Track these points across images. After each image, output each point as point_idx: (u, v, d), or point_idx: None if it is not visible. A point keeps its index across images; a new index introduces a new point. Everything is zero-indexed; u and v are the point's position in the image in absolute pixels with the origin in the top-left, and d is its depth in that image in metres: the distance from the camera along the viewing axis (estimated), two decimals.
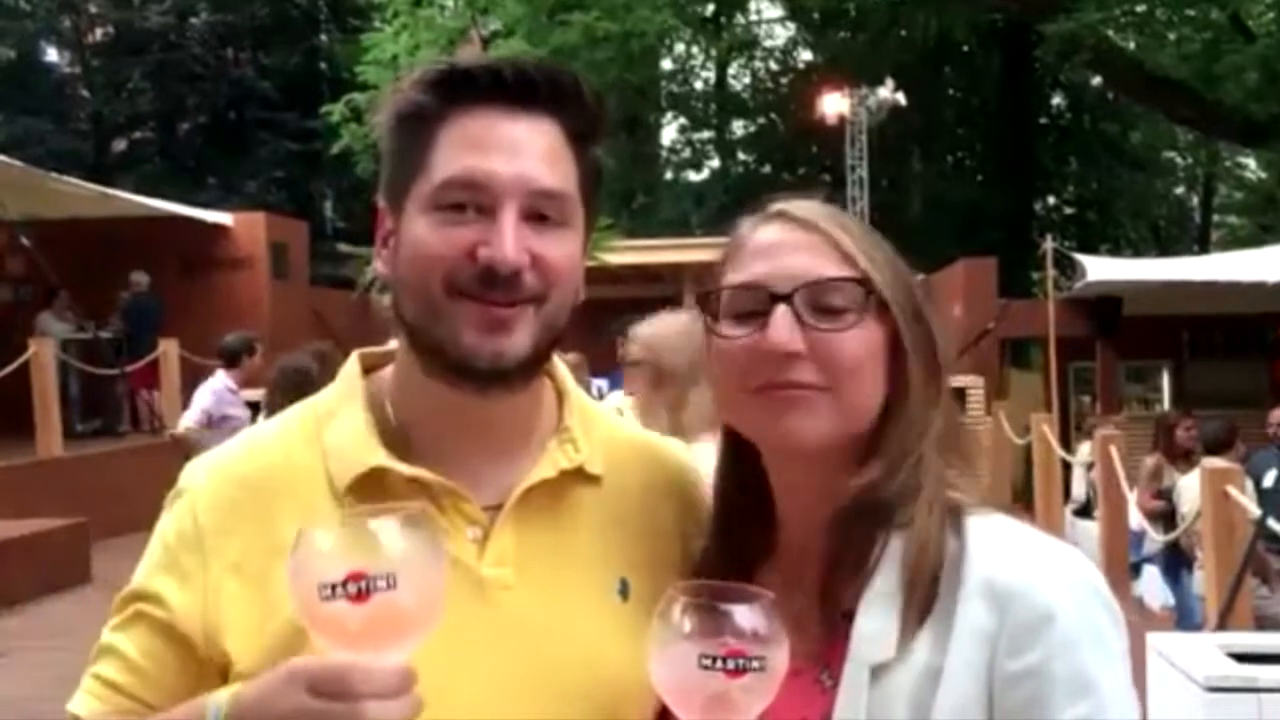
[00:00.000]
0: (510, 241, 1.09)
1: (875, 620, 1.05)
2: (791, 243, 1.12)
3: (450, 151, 1.12)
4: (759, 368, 1.09)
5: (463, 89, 1.13)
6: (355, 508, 1.10)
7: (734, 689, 0.97)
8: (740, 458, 1.16)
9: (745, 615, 1.00)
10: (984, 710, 1.02)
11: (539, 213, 1.12)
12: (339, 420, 1.20)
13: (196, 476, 1.20)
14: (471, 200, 1.11)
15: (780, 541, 1.19)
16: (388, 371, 1.25)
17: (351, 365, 1.26)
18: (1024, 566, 1.04)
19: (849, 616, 1.07)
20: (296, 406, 1.27)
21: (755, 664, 0.98)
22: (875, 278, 1.10)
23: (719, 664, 0.97)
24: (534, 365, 1.16)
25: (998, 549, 1.06)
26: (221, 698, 1.03)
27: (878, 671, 1.04)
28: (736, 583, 1.07)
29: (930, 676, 1.02)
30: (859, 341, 1.09)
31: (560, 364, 1.30)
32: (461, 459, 1.17)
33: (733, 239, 1.17)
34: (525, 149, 1.12)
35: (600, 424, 1.28)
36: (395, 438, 1.18)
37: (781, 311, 1.08)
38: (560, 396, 1.27)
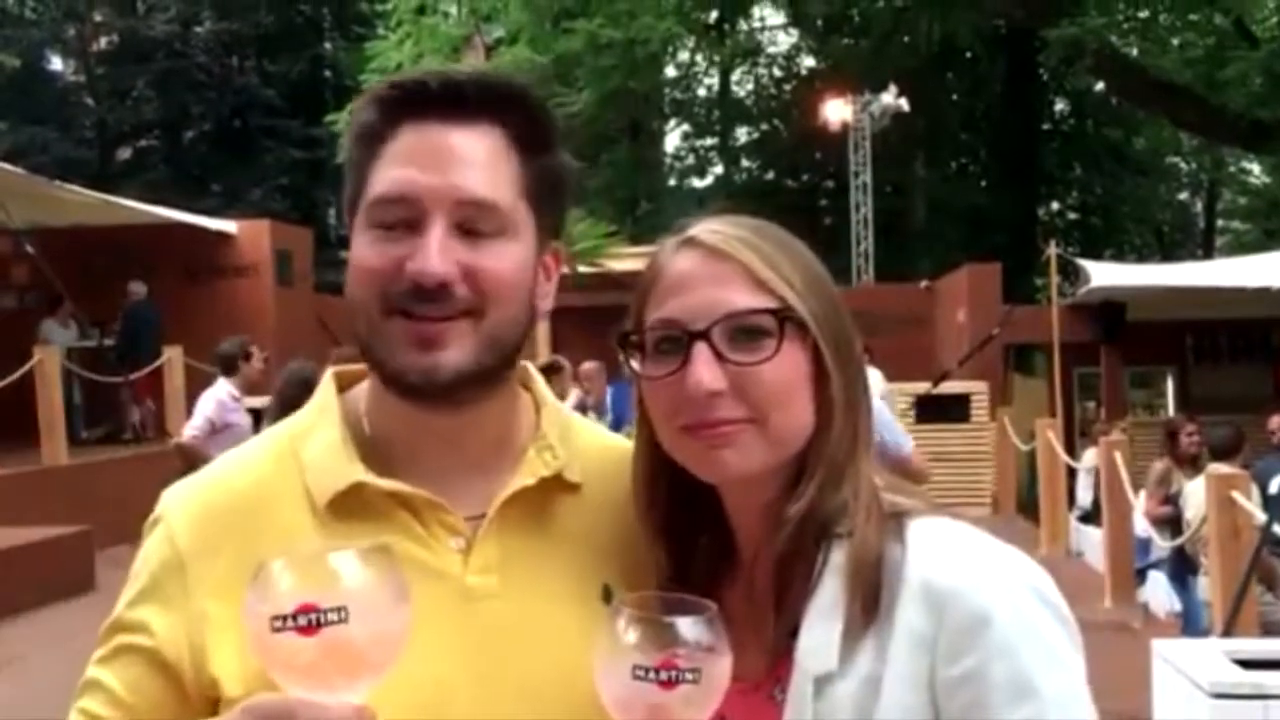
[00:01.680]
0: (435, 254, 1.08)
1: (818, 632, 1.05)
2: (703, 275, 1.10)
3: (385, 168, 1.12)
4: (684, 408, 1.09)
5: (400, 105, 1.13)
6: (335, 529, 1.09)
7: (669, 700, 0.97)
8: (691, 479, 1.15)
9: (686, 626, 0.99)
10: (928, 716, 1.00)
11: (471, 225, 1.11)
12: (315, 438, 1.19)
13: (173, 502, 1.19)
14: (400, 216, 1.10)
15: (737, 556, 1.19)
16: (363, 388, 1.24)
17: (326, 383, 1.25)
18: (959, 569, 1.02)
19: (798, 630, 1.06)
20: (272, 427, 1.26)
21: (689, 676, 0.97)
22: (791, 301, 1.09)
23: (652, 675, 0.97)
24: (480, 380, 1.14)
25: (935, 553, 1.05)
26: None
27: (822, 683, 1.03)
28: (682, 594, 1.06)
29: (871, 685, 1.01)
30: (780, 370, 1.08)
31: (537, 375, 1.30)
32: (439, 472, 1.17)
33: (650, 267, 1.15)
34: (456, 160, 1.11)
35: (578, 433, 1.28)
36: (372, 453, 1.17)
37: (698, 350, 1.08)
38: (538, 406, 1.27)
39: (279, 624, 0.88)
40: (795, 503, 1.09)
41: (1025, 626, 1.00)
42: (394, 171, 1.11)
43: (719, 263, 1.10)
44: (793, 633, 1.07)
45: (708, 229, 1.13)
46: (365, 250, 1.12)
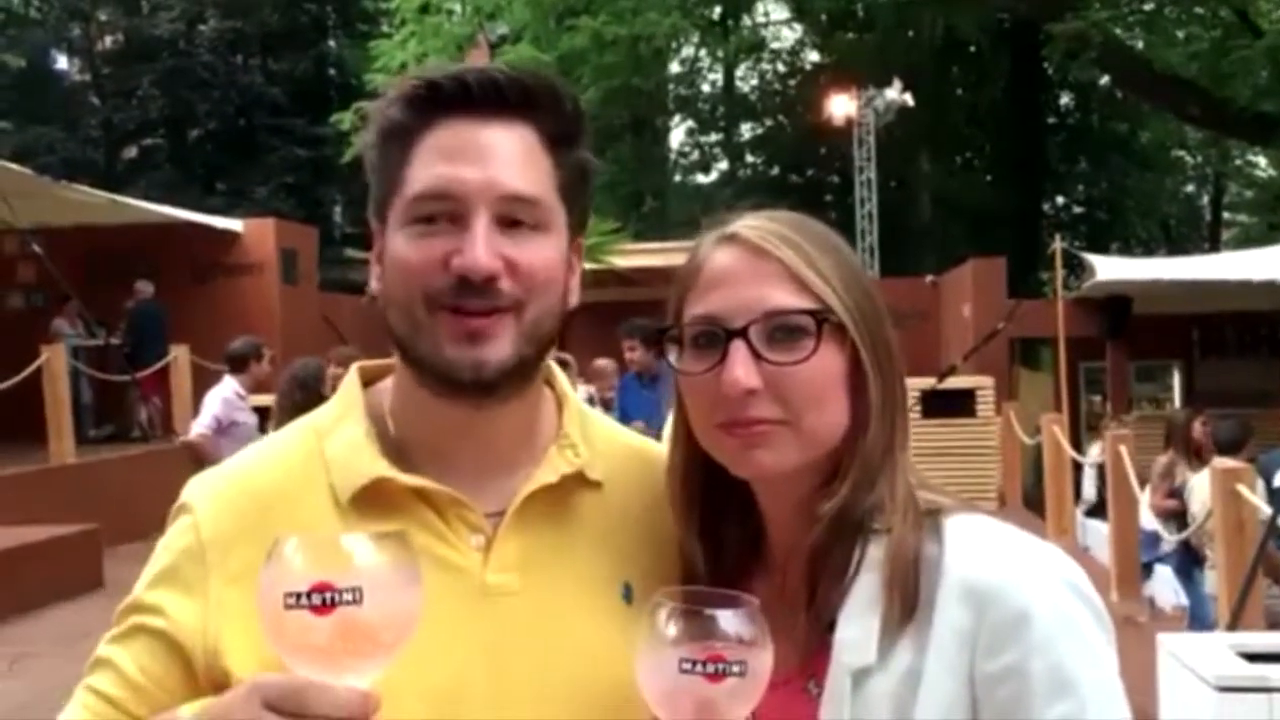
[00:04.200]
0: (481, 248, 1.09)
1: (856, 626, 1.06)
2: (744, 272, 1.11)
3: (423, 165, 1.12)
4: (720, 404, 1.09)
5: (433, 102, 1.13)
6: (358, 524, 1.09)
7: (716, 693, 0.97)
8: (725, 474, 1.16)
9: (728, 620, 1.00)
10: (967, 712, 1.02)
11: (513, 218, 1.12)
12: (340, 433, 1.20)
13: (198, 492, 1.20)
14: (443, 211, 1.11)
15: (767, 551, 1.20)
16: (387, 383, 1.25)
17: (351, 378, 1.26)
18: (1000, 566, 1.04)
19: (834, 625, 1.07)
20: (297, 421, 1.26)
21: (735, 668, 0.98)
22: (831, 301, 1.09)
23: (699, 668, 0.97)
24: (521, 373, 1.15)
25: (975, 550, 1.06)
26: (188, 711, 1.02)
27: (860, 677, 1.04)
28: (719, 589, 1.07)
29: (911, 680, 1.03)
30: (817, 371, 1.09)
31: (559, 371, 1.30)
32: (462, 467, 1.17)
33: (691, 261, 1.16)
34: (495, 155, 1.12)
35: (599, 430, 1.29)
36: (396, 448, 1.18)
37: (736, 348, 1.08)
38: (560, 404, 1.27)
39: (292, 601, 0.89)
40: (828, 501, 1.10)
41: (1064, 622, 1.02)
42: (435, 168, 1.12)
43: (760, 260, 1.11)
44: (827, 628, 1.08)
45: (748, 225, 1.13)
46: (406, 247, 1.12)
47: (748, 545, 1.21)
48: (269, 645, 0.93)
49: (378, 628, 0.91)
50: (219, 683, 1.10)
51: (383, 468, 1.15)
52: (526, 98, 1.14)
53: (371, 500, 1.14)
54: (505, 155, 1.12)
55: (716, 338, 1.10)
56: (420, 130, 1.13)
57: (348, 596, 0.89)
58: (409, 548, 0.95)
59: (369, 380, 1.27)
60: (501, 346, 1.12)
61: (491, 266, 1.09)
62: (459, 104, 1.13)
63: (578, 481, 1.21)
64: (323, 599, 0.88)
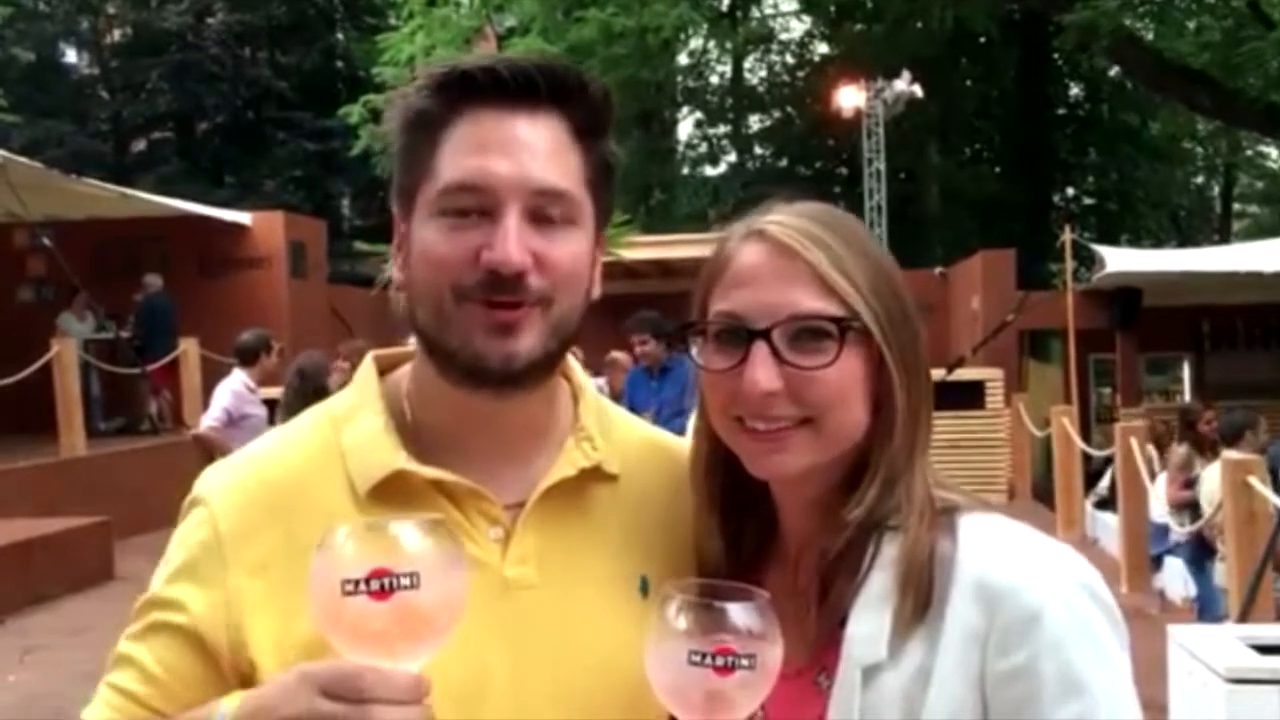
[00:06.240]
0: (513, 243, 1.09)
1: (867, 622, 1.06)
2: (769, 271, 1.10)
3: (453, 155, 1.12)
4: (740, 401, 1.10)
5: (464, 91, 1.12)
6: (376, 516, 1.09)
7: (724, 686, 0.97)
8: (743, 468, 1.16)
9: (738, 613, 1.00)
10: (976, 711, 1.01)
11: (543, 213, 1.11)
12: (357, 423, 1.19)
13: (212, 484, 1.19)
14: (474, 204, 1.10)
15: (780, 545, 1.20)
16: (404, 372, 1.24)
17: (367, 367, 1.26)
18: (1013, 566, 1.04)
19: (846, 620, 1.07)
20: (311, 410, 1.26)
21: (745, 662, 0.98)
22: (858, 306, 1.08)
23: (708, 661, 0.97)
24: (546, 366, 1.15)
25: (988, 549, 1.06)
26: (229, 704, 1.02)
27: (870, 673, 1.04)
28: (732, 581, 1.07)
29: (921, 677, 1.03)
30: (839, 374, 1.08)
31: (576, 364, 1.30)
32: (480, 459, 1.17)
33: (718, 254, 1.15)
34: (527, 149, 1.11)
35: (616, 423, 1.29)
36: (414, 439, 1.18)
37: (757, 349, 1.08)
38: (576, 395, 1.27)
39: (350, 588, 0.90)
40: (855, 508, 1.10)
41: (1076, 624, 1.02)
42: (466, 160, 1.11)
43: (786, 260, 1.10)
44: (839, 622, 1.08)
45: (777, 221, 1.12)
46: (436, 238, 1.12)
47: (762, 537, 1.21)
48: (308, 631, 0.94)
49: (433, 611, 0.92)
50: (245, 674, 1.10)
51: (401, 460, 1.15)
52: (558, 88, 1.13)
53: (390, 492, 1.14)
54: (536, 148, 1.12)
55: (739, 336, 1.10)
56: (449, 119, 1.13)
57: (405, 581, 0.90)
58: (453, 531, 0.97)
59: (384, 369, 1.26)
60: (530, 340, 1.12)
61: (522, 262, 1.09)
62: (488, 94, 1.12)
63: (595, 475, 1.21)
64: (381, 584, 0.90)
